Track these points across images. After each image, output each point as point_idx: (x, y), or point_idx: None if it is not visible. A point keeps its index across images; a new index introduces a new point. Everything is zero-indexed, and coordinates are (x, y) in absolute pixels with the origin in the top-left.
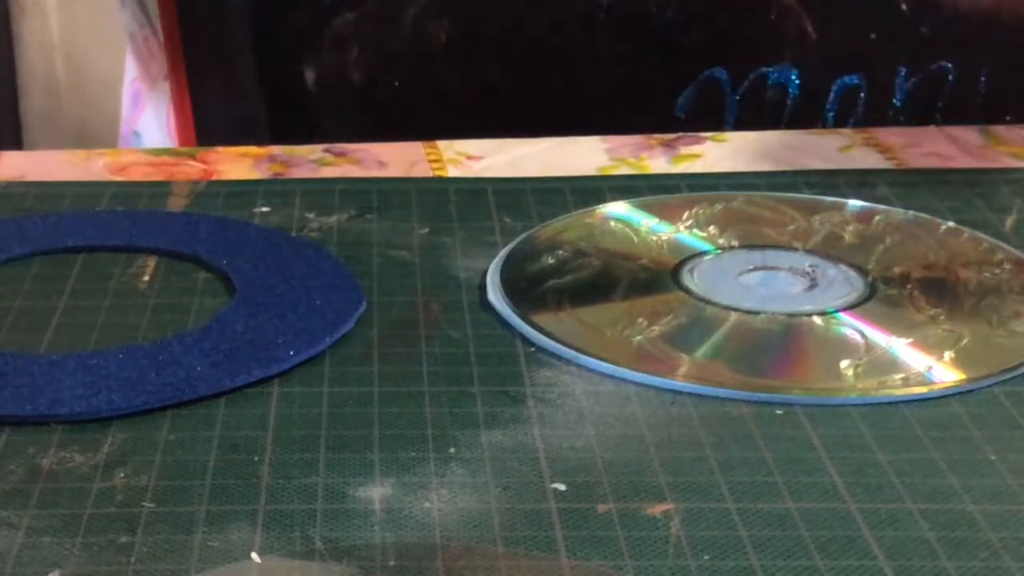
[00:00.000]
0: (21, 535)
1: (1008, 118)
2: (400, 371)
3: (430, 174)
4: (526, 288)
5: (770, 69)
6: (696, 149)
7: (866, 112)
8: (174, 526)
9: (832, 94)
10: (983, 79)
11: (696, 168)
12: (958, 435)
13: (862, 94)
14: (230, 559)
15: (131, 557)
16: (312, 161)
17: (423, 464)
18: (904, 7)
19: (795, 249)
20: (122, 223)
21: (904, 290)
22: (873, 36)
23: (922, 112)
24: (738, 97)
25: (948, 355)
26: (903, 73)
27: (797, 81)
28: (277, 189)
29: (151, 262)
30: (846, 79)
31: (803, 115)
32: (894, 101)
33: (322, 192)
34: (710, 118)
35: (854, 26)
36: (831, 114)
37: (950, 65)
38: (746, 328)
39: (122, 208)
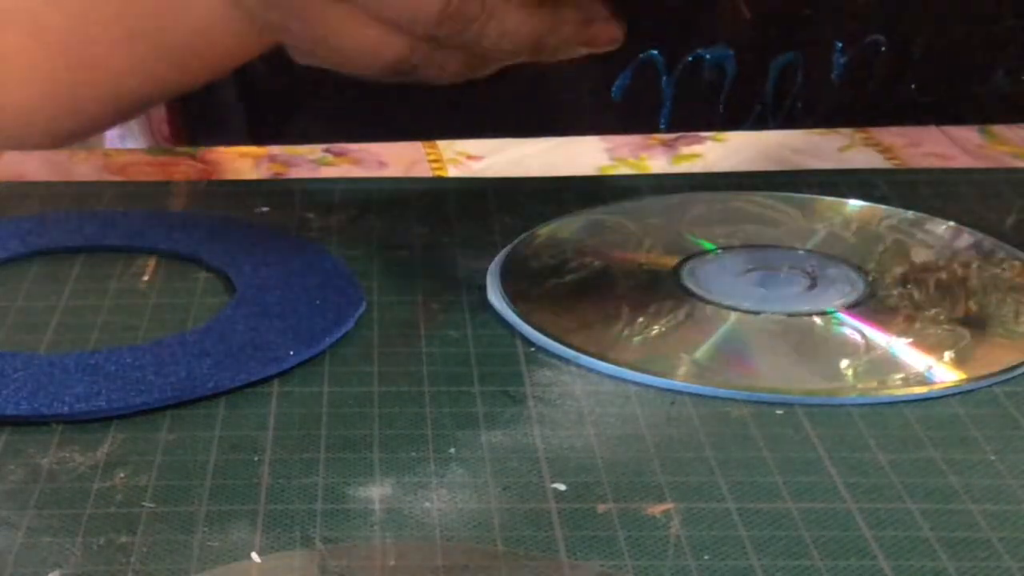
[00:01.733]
0: (21, 535)
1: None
2: (400, 371)
3: (430, 174)
4: (526, 288)
5: (706, 50)
6: (696, 149)
7: (805, 89)
8: (174, 526)
9: (770, 72)
10: (915, 51)
11: (696, 168)
12: (958, 435)
13: (799, 71)
14: (230, 559)
15: (131, 557)
16: (312, 161)
17: (423, 464)
18: None
19: (795, 249)
20: (122, 223)
21: (904, 290)
22: (808, 12)
23: (857, 85)
24: (675, 79)
25: (948, 355)
26: (839, 47)
27: (734, 61)
28: (277, 189)
29: (151, 262)
30: (783, 57)
31: (741, 95)
32: (832, 76)
33: (322, 192)
34: (647, 101)
35: (789, 3)
36: (770, 93)
37: (883, 38)
38: (746, 328)
39: (122, 208)
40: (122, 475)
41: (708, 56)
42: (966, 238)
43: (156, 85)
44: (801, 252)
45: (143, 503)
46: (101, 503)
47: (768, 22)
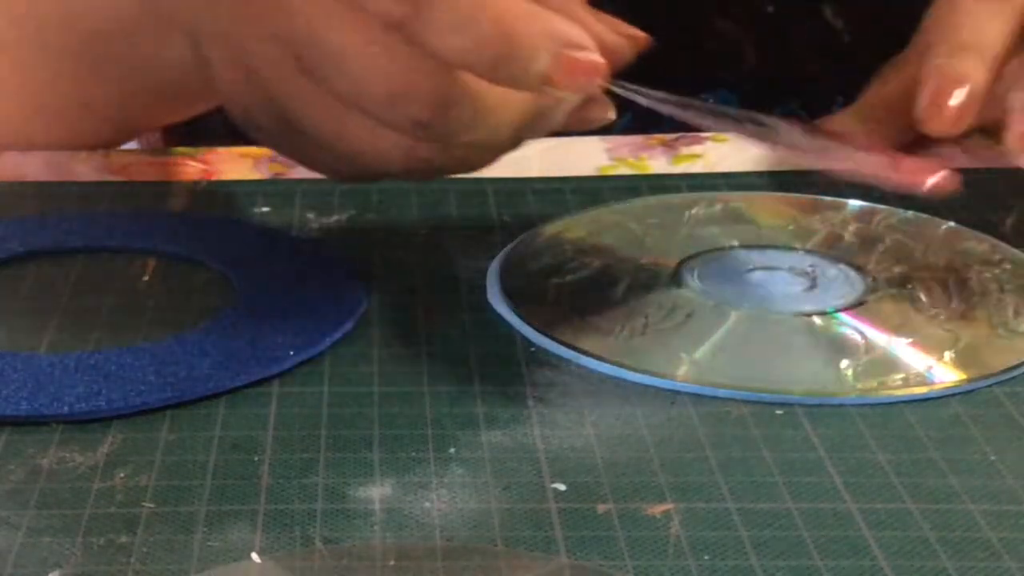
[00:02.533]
0: (21, 535)
1: None
2: (400, 371)
3: None
4: (526, 288)
5: (708, 95)
6: (696, 149)
7: None
8: (174, 526)
9: None
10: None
11: (696, 168)
12: (958, 435)
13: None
14: (230, 559)
15: (131, 557)
16: None
17: (423, 464)
18: (845, 37)
19: (795, 249)
20: (122, 223)
21: (904, 290)
22: (812, 65)
23: None
24: (676, 123)
25: (948, 355)
26: (840, 103)
27: (735, 108)
28: (277, 189)
29: (151, 262)
30: (784, 107)
31: None
32: None
33: (322, 192)
34: None
35: (794, 55)
36: None
37: None
38: (746, 328)
39: (122, 208)
40: (122, 475)
41: (710, 101)
42: (966, 238)
43: (133, 122)
44: (801, 252)
45: (143, 503)
46: (101, 503)
47: (771, 70)
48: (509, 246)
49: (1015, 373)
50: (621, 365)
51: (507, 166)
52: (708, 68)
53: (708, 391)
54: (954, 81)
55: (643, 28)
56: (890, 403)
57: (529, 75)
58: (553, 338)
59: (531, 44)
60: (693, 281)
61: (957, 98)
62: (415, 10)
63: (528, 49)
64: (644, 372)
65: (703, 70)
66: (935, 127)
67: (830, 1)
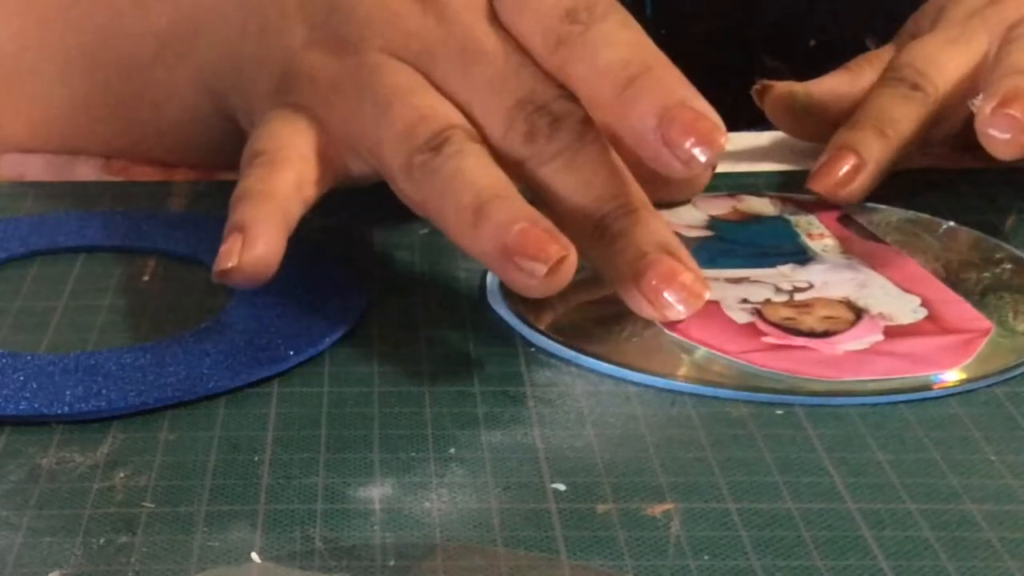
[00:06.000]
0: (21, 535)
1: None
2: (400, 371)
3: None
4: None
5: (754, 129)
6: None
7: None
8: (174, 526)
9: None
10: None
11: None
12: (958, 435)
13: None
14: (230, 559)
15: (131, 557)
16: None
17: (423, 464)
18: None
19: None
20: (122, 223)
21: None
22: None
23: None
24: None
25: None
26: None
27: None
28: None
29: (151, 262)
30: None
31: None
32: None
33: None
34: None
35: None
36: None
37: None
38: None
39: (122, 208)
40: (122, 475)
41: (752, 133)
42: (966, 238)
43: (152, 161)
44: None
45: (143, 503)
46: (101, 503)
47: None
48: None
49: (1015, 373)
50: (621, 365)
51: None
52: (754, 102)
53: (708, 391)
54: (846, 150)
55: (692, 63)
56: (890, 403)
57: (648, 111)
58: (553, 338)
59: (665, 86)
60: None
61: (844, 167)
62: (585, 27)
63: (660, 87)
64: (644, 372)
65: (750, 104)
66: (819, 189)
67: (873, 34)
